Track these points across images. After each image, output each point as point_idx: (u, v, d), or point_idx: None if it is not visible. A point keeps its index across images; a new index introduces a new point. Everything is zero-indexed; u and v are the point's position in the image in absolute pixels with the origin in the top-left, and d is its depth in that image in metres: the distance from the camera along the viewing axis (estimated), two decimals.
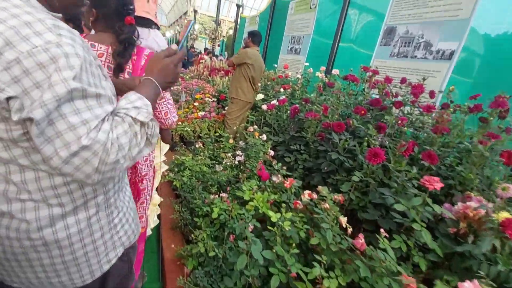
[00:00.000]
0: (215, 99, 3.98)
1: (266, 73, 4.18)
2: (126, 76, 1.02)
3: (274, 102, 2.52)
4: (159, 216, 1.65)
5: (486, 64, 2.42)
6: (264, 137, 2.00)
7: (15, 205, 0.54)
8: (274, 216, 1.15)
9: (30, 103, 0.45)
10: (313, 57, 4.24)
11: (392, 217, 1.34)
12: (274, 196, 1.40)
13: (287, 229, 1.11)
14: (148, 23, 1.53)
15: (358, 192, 1.52)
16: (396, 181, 1.40)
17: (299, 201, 1.37)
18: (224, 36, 14.79)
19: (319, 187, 1.38)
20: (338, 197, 1.37)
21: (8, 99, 0.45)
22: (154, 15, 1.56)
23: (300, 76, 3.39)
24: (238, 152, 1.98)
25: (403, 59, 2.84)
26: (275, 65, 4.50)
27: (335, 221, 1.17)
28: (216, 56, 9.62)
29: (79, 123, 0.49)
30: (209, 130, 3.14)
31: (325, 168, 1.70)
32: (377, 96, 2.16)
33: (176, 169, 2.08)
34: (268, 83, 3.72)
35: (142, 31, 1.53)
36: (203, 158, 2.06)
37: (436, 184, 1.05)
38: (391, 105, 1.90)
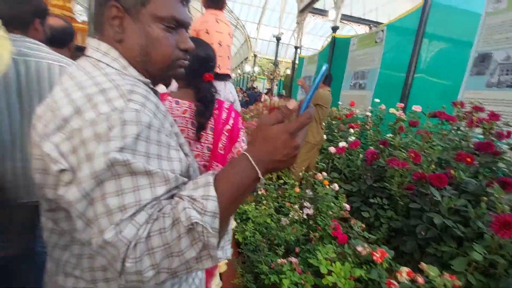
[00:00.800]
0: None
1: (329, 111, 3.97)
2: (209, 132, 0.97)
3: (343, 144, 2.26)
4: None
5: None
6: (336, 187, 1.74)
7: (69, 279, 0.48)
8: None
9: (74, 179, 0.40)
10: (381, 92, 3.91)
11: None
12: (359, 271, 1.10)
13: None
14: (226, 77, 1.59)
15: (479, 274, 1.11)
16: None
17: (394, 282, 1.04)
18: (281, 76, 15.33)
19: (424, 265, 1.05)
20: (452, 281, 1.00)
21: (62, 171, 0.40)
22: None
23: (369, 114, 3.08)
24: (306, 204, 1.74)
25: (506, 90, 2.32)
26: (340, 103, 4.29)
27: None
28: (281, 95, 9.85)
29: (117, 208, 0.38)
30: (271, 174, 3.00)
31: (422, 233, 1.33)
32: (482, 138, 1.73)
33: (238, 219, 1.94)
34: (333, 122, 3.48)
35: (219, 84, 1.59)
36: (266, 208, 1.89)
37: None
38: (509, 149, 1.47)
